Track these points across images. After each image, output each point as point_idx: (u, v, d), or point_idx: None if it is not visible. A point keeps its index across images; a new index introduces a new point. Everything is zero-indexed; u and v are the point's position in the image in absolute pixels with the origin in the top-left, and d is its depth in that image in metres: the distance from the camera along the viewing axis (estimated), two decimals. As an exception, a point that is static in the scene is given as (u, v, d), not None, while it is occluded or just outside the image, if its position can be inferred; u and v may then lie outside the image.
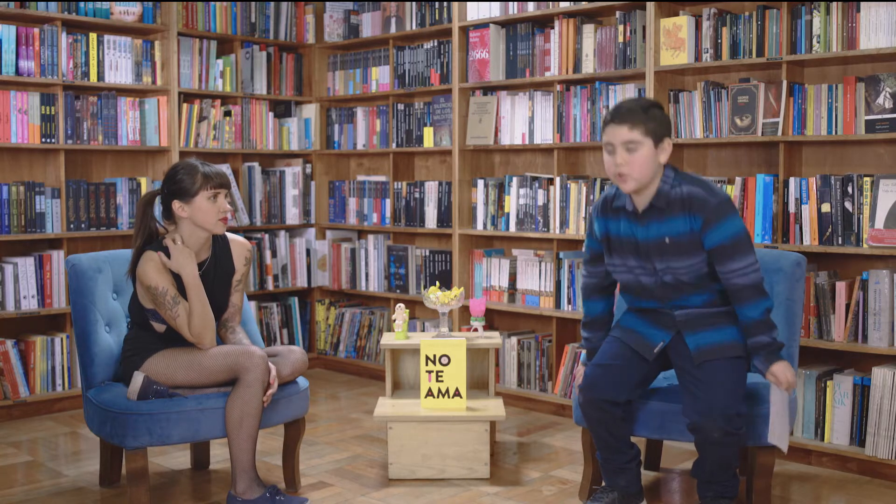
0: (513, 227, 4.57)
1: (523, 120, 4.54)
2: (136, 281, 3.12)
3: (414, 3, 4.99)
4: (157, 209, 3.23)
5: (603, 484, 3.14)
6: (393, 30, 5.12)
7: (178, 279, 3.11)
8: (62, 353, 4.45)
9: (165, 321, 3.12)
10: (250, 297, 5.10)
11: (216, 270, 3.23)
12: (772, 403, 2.87)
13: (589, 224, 3.11)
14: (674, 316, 2.95)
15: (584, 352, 3.22)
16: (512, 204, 4.56)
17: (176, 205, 3.12)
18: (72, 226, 4.51)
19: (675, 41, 3.97)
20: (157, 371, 3.08)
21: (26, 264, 4.37)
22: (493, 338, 3.84)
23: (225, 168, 5.09)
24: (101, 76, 4.63)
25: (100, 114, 4.62)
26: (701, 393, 2.85)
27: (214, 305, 3.19)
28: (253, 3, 5.24)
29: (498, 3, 4.58)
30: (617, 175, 2.86)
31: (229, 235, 3.32)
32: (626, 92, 4.15)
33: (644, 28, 4.09)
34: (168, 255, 3.09)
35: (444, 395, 3.52)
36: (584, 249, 3.17)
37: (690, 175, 2.94)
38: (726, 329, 2.90)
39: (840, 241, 3.58)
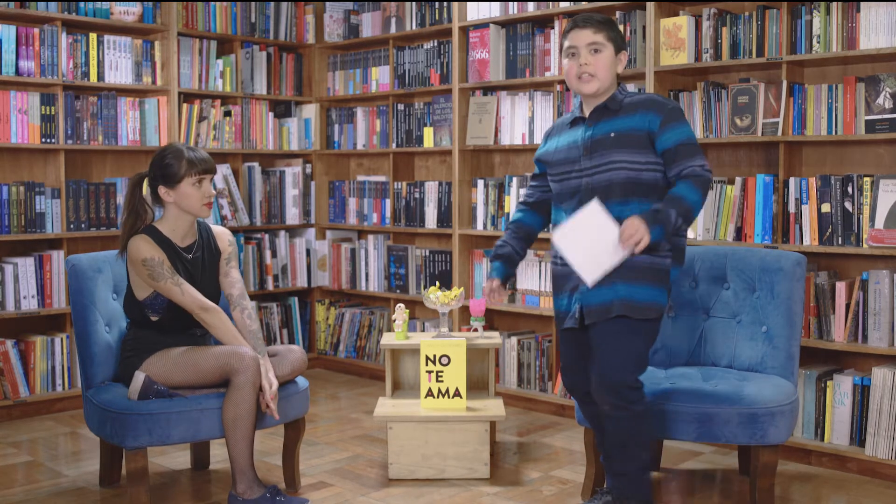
0: (513, 227, 4.56)
1: (523, 120, 4.54)
2: (129, 266, 3.15)
3: (414, 3, 4.99)
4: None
5: (605, 485, 3.14)
6: (393, 30, 5.12)
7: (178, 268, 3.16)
8: (62, 353, 4.45)
9: (162, 307, 3.13)
10: (250, 298, 5.09)
11: (204, 254, 3.26)
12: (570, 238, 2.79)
13: (540, 152, 3.11)
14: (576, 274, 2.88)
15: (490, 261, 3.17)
16: (512, 204, 4.56)
17: (162, 190, 3.17)
18: (72, 226, 4.51)
19: (675, 41, 3.97)
20: (154, 371, 3.09)
21: (26, 264, 4.37)
22: (493, 338, 3.84)
23: (225, 168, 5.10)
24: (101, 76, 4.63)
25: (100, 114, 4.62)
26: (595, 359, 2.85)
27: (207, 287, 3.23)
28: (253, 3, 5.24)
29: (498, 3, 4.58)
30: (579, 77, 2.89)
31: (211, 226, 3.36)
32: (626, 92, 4.15)
33: (644, 28, 4.09)
34: (154, 239, 3.13)
35: (444, 395, 3.52)
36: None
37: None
38: (621, 286, 2.81)
39: (840, 241, 3.58)
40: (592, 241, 2.77)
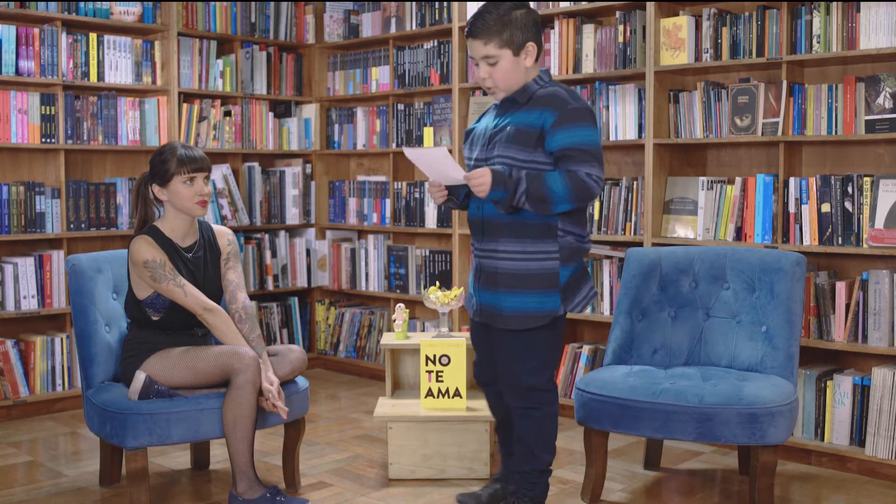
0: (513, 227, 4.56)
1: (523, 120, 4.54)
2: (130, 267, 3.14)
3: (414, 3, 4.99)
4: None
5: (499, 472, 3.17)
6: (393, 30, 5.12)
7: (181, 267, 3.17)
8: (62, 353, 4.45)
9: (163, 307, 3.13)
10: (250, 297, 5.09)
11: (206, 253, 3.26)
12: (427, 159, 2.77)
13: (469, 128, 3.08)
14: (477, 265, 2.90)
15: None
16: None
17: (155, 188, 3.18)
18: (72, 226, 4.51)
19: (675, 41, 3.97)
20: (154, 372, 3.09)
21: (26, 264, 4.37)
22: (493, 338, 3.83)
23: (225, 168, 5.10)
24: (101, 76, 4.63)
25: (100, 114, 4.62)
26: (498, 360, 2.90)
27: (209, 287, 3.23)
28: (253, 3, 5.24)
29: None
30: (486, 88, 2.84)
31: (213, 226, 3.35)
32: (626, 92, 4.15)
33: (644, 28, 4.09)
34: (156, 239, 3.12)
35: (444, 395, 3.52)
36: None
37: (562, 84, 2.86)
38: (505, 296, 2.82)
39: (840, 241, 3.58)
40: (439, 167, 2.76)
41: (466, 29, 2.83)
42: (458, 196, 2.97)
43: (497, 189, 2.69)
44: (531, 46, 2.80)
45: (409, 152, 2.80)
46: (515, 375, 2.86)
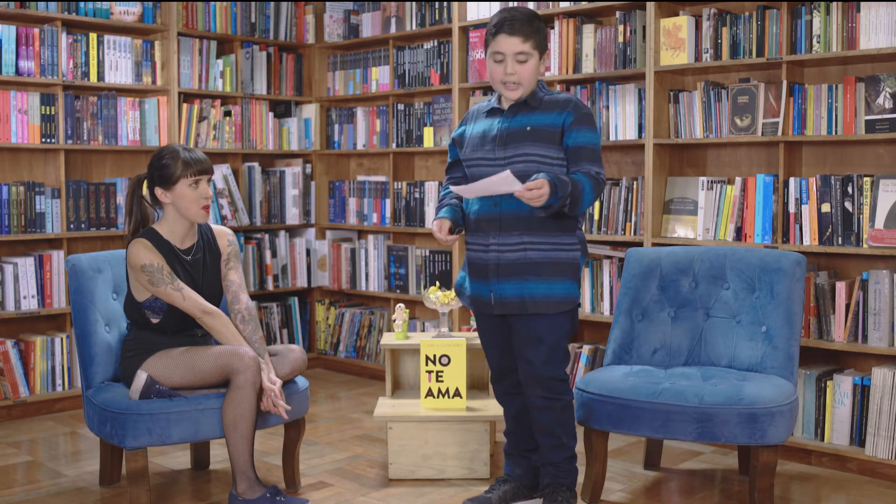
0: (513, 227, 4.56)
1: (523, 120, 4.54)
2: (128, 270, 3.13)
3: (414, 3, 4.99)
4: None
5: (503, 474, 3.21)
6: (393, 30, 5.12)
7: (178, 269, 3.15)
8: (62, 353, 4.45)
9: (162, 310, 3.12)
10: (250, 297, 5.09)
11: (205, 255, 3.25)
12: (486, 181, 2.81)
13: (456, 135, 3.14)
14: (490, 260, 2.94)
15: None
16: (512, 204, 4.55)
17: (158, 191, 3.16)
18: (72, 226, 4.51)
19: (675, 41, 3.97)
20: (154, 372, 3.08)
21: (26, 264, 4.37)
22: (493, 338, 3.84)
23: (225, 168, 5.10)
24: (101, 76, 4.63)
25: (100, 114, 4.62)
26: (520, 354, 2.97)
27: (209, 289, 3.23)
28: (253, 3, 5.24)
29: (498, 3, 4.58)
30: (505, 83, 2.93)
31: (212, 226, 3.34)
32: (627, 92, 4.15)
33: (644, 28, 4.09)
34: (153, 242, 3.11)
35: (444, 395, 3.52)
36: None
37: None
38: (534, 283, 2.92)
39: (840, 241, 3.58)
40: (498, 188, 2.82)
41: (497, 25, 2.92)
42: (459, 218, 3.08)
43: (552, 199, 2.78)
44: (547, 55, 3.02)
45: (463, 190, 2.88)
46: (540, 365, 2.94)
